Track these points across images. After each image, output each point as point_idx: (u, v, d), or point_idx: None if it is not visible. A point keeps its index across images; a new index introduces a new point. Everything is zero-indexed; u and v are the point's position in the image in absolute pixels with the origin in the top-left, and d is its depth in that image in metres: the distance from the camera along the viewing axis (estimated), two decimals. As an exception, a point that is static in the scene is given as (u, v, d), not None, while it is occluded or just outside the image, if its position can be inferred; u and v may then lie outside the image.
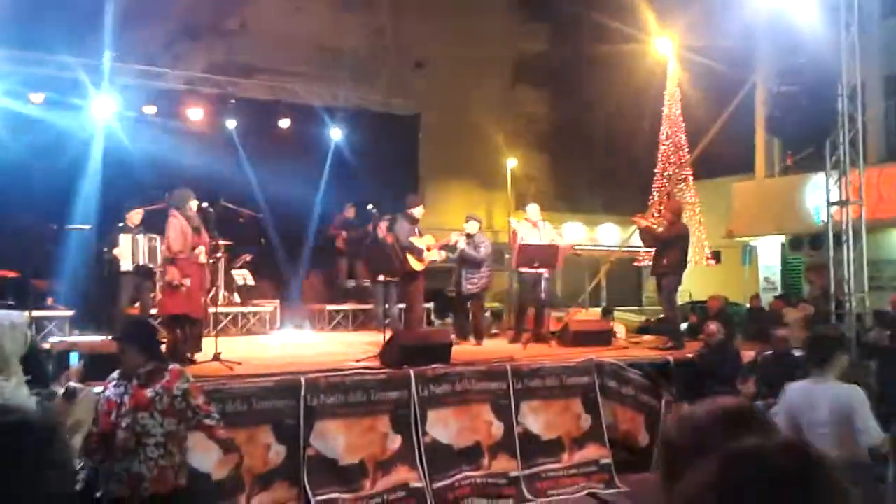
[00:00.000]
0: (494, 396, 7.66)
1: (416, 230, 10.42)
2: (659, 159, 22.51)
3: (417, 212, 10.48)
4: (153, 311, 9.83)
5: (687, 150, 21.93)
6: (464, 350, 9.13)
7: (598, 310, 16.30)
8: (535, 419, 7.81)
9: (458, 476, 7.16)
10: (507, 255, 14.51)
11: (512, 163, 25.52)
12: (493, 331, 12.18)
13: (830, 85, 9.66)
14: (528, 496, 7.41)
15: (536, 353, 9.17)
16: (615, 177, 25.19)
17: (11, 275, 10.30)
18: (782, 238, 20.55)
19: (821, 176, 10.38)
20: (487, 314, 12.55)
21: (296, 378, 6.82)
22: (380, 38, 27.11)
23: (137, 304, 10.30)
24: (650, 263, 11.46)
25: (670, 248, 9.97)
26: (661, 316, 11.84)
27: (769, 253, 21.01)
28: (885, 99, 17.87)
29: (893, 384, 7.89)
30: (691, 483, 1.44)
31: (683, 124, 22.28)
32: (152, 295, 10.53)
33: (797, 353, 9.02)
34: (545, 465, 7.65)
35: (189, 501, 4.60)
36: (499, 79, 28.43)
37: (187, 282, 8.07)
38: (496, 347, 9.96)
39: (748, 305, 14.80)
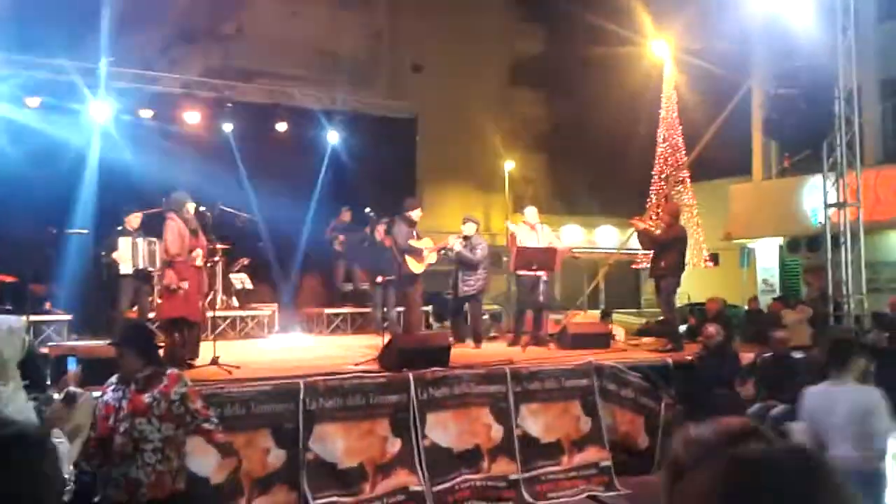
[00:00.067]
0: (493, 399, 7.64)
1: (414, 233, 10.42)
2: (656, 162, 22.55)
3: (415, 215, 10.48)
4: (151, 315, 9.82)
5: (684, 152, 21.96)
6: (463, 353, 9.11)
7: (597, 312, 16.30)
8: (535, 422, 7.80)
9: (458, 479, 7.15)
10: (505, 258, 14.51)
11: (509, 165, 25.54)
12: (492, 333, 12.17)
13: (827, 88, 9.68)
14: (528, 499, 7.39)
15: (535, 355, 9.15)
16: (613, 179, 25.21)
17: (9, 279, 10.27)
18: (780, 240, 20.57)
19: (818, 178, 10.40)
20: (486, 317, 12.54)
21: (294, 382, 6.80)
22: (377, 41, 27.14)
23: (135, 308, 10.28)
24: (648, 266, 11.47)
25: (668, 250, 9.97)
26: (660, 318, 11.84)
27: (767, 255, 21.03)
28: (882, 102, 17.92)
29: (892, 386, 7.88)
30: (694, 486, 1.43)
31: (680, 127, 22.32)
32: (150, 299, 10.53)
33: (796, 354, 9.04)
34: (545, 468, 7.64)
35: (188, 506, 4.59)
36: (496, 81, 28.45)
37: (185, 285, 8.06)
38: (495, 350, 9.94)
39: (746, 307, 14.80)
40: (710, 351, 8.96)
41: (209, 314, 9.80)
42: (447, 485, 7.06)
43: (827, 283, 9.85)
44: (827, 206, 9.84)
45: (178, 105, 13.68)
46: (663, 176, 22.27)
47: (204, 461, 5.71)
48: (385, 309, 11.30)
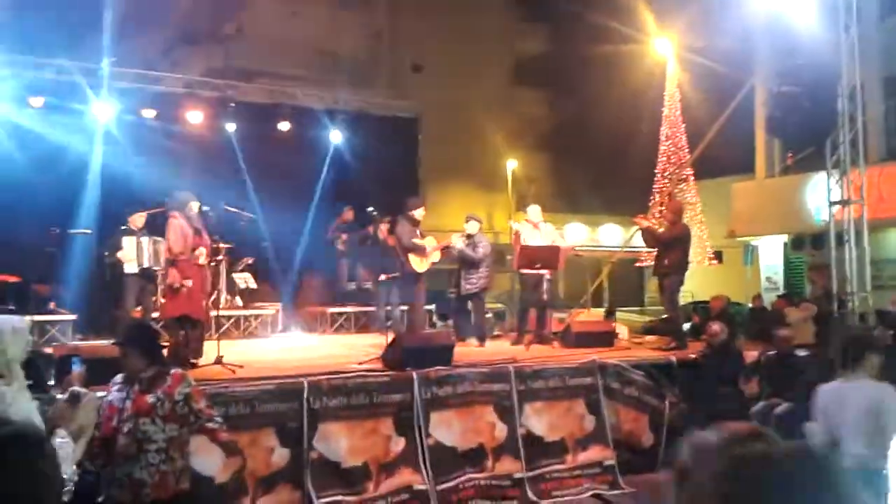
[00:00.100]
0: (497, 398, 7.64)
1: (418, 232, 10.42)
2: (659, 160, 22.51)
3: (418, 214, 10.47)
4: (155, 315, 9.83)
5: (687, 150, 21.93)
6: (466, 351, 9.11)
7: (601, 311, 16.28)
8: (539, 420, 7.80)
9: (462, 478, 7.15)
10: (508, 257, 14.51)
11: (512, 164, 25.53)
12: (496, 332, 12.17)
13: (830, 85, 9.66)
14: (532, 498, 7.39)
15: (539, 354, 9.15)
16: (616, 177, 25.18)
17: (13, 279, 10.28)
18: (784, 238, 20.55)
19: (821, 175, 10.38)
20: (490, 315, 12.53)
21: (298, 381, 6.80)
22: (378, 41, 27.14)
23: (140, 308, 10.29)
24: (652, 264, 11.45)
25: (672, 248, 9.96)
26: (664, 316, 11.83)
27: (771, 253, 21.01)
28: (885, 99, 17.89)
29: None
30: (698, 487, 1.43)
31: (683, 125, 22.28)
32: (154, 298, 10.54)
33: (800, 352, 9.03)
34: (549, 467, 7.64)
35: (192, 506, 4.58)
36: (498, 80, 28.44)
37: (188, 283, 8.07)
38: (498, 349, 9.94)
39: (750, 305, 14.78)
40: (714, 349, 8.95)
41: (213, 313, 9.81)
42: (451, 484, 7.06)
43: (831, 281, 9.83)
44: (831, 203, 9.81)
45: (181, 105, 13.68)
46: (666, 174, 22.24)
47: (208, 460, 5.71)
48: (389, 308, 11.30)
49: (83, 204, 11.73)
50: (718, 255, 22.31)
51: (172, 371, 4.49)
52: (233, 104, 14.24)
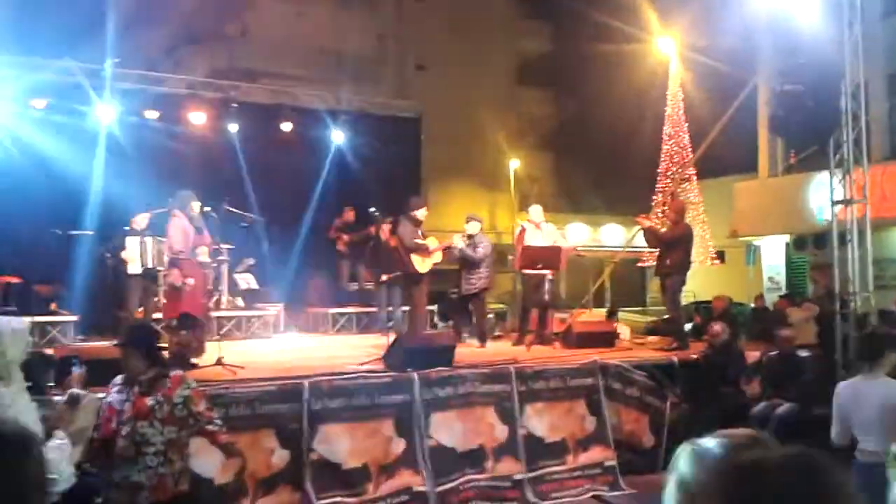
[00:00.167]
0: (498, 399, 7.63)
1: (419, 232, 10.41)
2: (662, 159, 22.48)
3: (421, 214, 10.46)
4: (157, 315, 9.84)
5: (690, 149, 21.89)
6: (467, 352, 9.10)
7: (603, 311, 16.27)
8: (539, 421, 7.79)
9: (462, 479, 7.14)
10: (510, 257, 14.50)
11: (515, 164, 25.50)
12: (497, 332, 12.16)
13: (833, 84, 9.61)
14: (532, 499, 7.38)
15: (540, 354, 9.14)
16: (618, 177, 25.15)
17: (15, 280, 10.30)
18: (786, 237, 20.50)
19: (824, 175, 10.34)
20: (491, 316, 12.52)
21: (299, 382, 6.81)
22: (381, 41, 27.13)
23: (142, 308, 10.31)
24: (654, 264, 11.43)
25: (674, 248, 9.95)
26: (666, 316, 11.81)
27: (773, 252, 20.96)
28: (889, 97, 17.83)
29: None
30: (696, 494, 1.42)
31: (686, 124, 22.24)
32: (156, 299, 10.55)
33: (802, 353, 9.01)
34: (549, 468, 7.63)
35: (191, 507, 4.58)
36: (501, 79, 28.43)
37: (190, 281, 8.09)
38: (499, 349, 9.94)
39: (752, 305, 14.75)
40: (716, 349, 8.93)
41: (214, 314, 9.83)
42: (451, 485, 7.05)
43: (833, 281, 9.80)
44: (833, 202, 9.78)
45: (184, 106, 13.70)
46: (669, 173, 22.20)
47: (208, 462, 5.72)
48: (390, 308, 11.30)
49: (85, 205, 11.74)
50: (721, 255, 22.26)
51: (172, 373, 4.49)
52: (235, 105, 14.25)
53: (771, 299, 15.28)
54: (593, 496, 7.64)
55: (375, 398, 7.03)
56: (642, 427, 8.33)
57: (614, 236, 27.80)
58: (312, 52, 23.84)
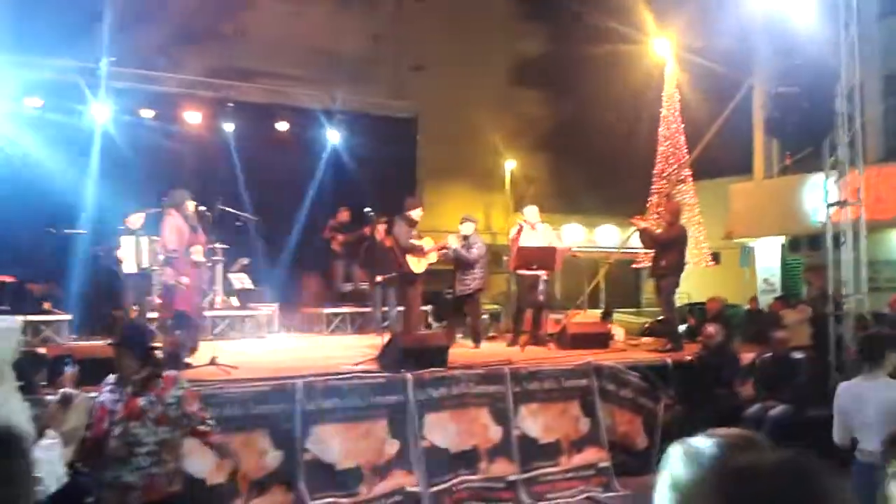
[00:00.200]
0: (492, 400, 7.63)
1: (415, 233, 10.40)
2: (658, 160, 22.50)
3: (416, 214, 10.46)
4: (151, 315, 9.82)
5: (685, 150, 21.92)
6: (462, 353, 9.10)
7: (598, 312, 16.27)
8: (534, 422, 7.79)
9: (456, 480, 7.14)
10: (505, 257, 14.50)
11: (511, 164, 25.52)
12: (491, 333, 12.16)
13: (829, 86, 9.63)
14: (526, 500, 7.38)
15: (534, 355, 9.14)
16: (614, 178, 25.17)
17: (8, 279, 10.26)
18: (781, 239, 20.52)
19: (819, 176, 10.35)
20: (485, 316, 12.52)
21: (293, 382, 6.79)
22: (378, 41, 27.10)
23: (136, 308, 10.28)
24: (649, 265, 11.44)
25: (669, 249, 9.96)
26: (661, 318, 11.82)
27: (768, 254, 20.98)
28: (884, 99, 17.85)
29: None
30: (688, 494, 1.42)
31: (682, 125, 22.27)
32: (150, 298, 10.52)
33: (796, 355, 9.02)
34: (543, 469, 7.63)
35: (183, 508, 4.57)
36: (498, 80, 28.43)
37: (185, 280, 8.08)
38: (494, 350, 9.93)
39: (747, 307, 14.77)
40: (710, 351, 8.94)
41: (209, 314, 9.81)
42: (445, 486, 7.05)
43: (828, 283, 9.81)
44: (828, 204, 9.80)
45: (179, 105, 13.68)
46: (665, 175, 22.22)
47: (201, 462, 5.71)
48: (385, 309, 11.28)
49: (80, 204, 11.71)
50: (716, 257, 22.28)
51: (165, 373, 4.48)
52: (231, 104, 14.22)
53: (765, 301, 15.30)
54: (587, 497, 7.64)
55: (369, 399, 7.02)
56: (636, 428, 8.34)
57: (610, 237, 27.81)
58: (309, 51, 23.80)
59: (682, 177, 22.16)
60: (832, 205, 9.74)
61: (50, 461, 4.20)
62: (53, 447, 4.35)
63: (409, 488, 6.88)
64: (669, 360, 8.96)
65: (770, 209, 19.51)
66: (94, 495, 4.38)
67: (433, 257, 10.42)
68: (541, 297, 10.15)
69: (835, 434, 4.95)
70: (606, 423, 8.13)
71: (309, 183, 14.54)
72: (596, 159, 26.19)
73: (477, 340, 10.27)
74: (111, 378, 4.48)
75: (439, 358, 7.80)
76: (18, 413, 4.43)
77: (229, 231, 12.24)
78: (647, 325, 15.24)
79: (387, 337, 8.56)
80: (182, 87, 14.26)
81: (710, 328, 9.08)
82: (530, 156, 27.84)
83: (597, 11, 22.65)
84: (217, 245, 11.66)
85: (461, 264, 10.20)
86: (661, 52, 22.35)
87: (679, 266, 10.07)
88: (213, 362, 7.83)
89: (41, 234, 10.94)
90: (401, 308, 11.09)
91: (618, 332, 11.24)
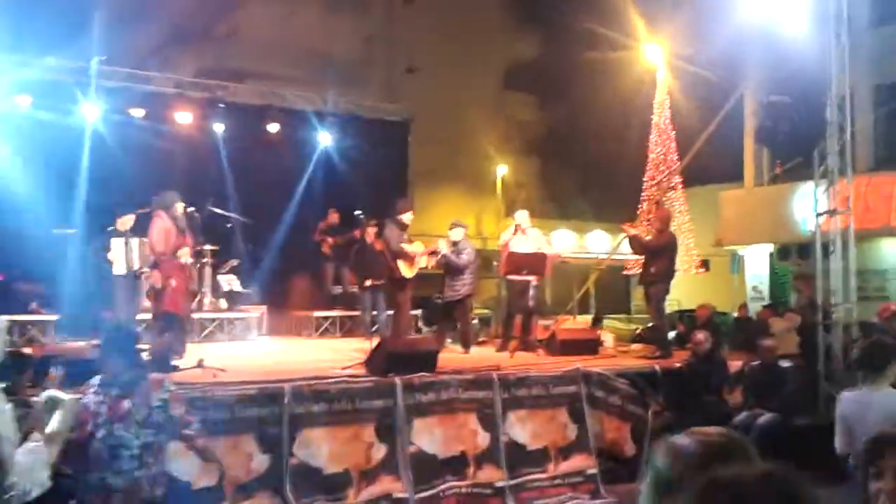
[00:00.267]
0: (481, 405, 7.60)
1: (405, 236, 10.38)
2: (648, 167, 22.57)
3: (407, 218, 10.44)
4: (140, 317, 9.76)
5: (676, 158, 21.99)
6: (451, 358, 9.07)
7: (587, 318, 16.28)
8: (522, 428, 7.76)
9: (443, 486, 7.11)
10: (495, 263, 14.51)
11: (502, 169, 25.55)
12: (481, 338, 12.14)
13: (820, 95, 9.67)
14: (514, 506, 7.35)
15: (523, 361, 9.13)
16: (605, 184, 25.25)
17: (-5, 278, 10.20)
18: (771, 247, 20.58)
19: (809, 185, 10.38)
20: (475, 321, 12.50)
21: (280, 386, 6.75)
22: (370, 43, 27.12)
23: (125, 309, 10.20)
24: (639, 272, 11.45)
25: (658, 256, 9.96)
26: (651, 324, 11.83)
27: (757, 262, 21.05)
28: (874, 108, 17.93)
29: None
30: (671, 490, 1.42)
31: (673, 132, 22.35)
32: (139, 299, 10.45)
33: (784, 363, 9.04)
34: (531, 475, 7.60)
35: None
36: (490, 84, 28.49)
37: (172, 282, 8.04)
38: (483, 355, 9.90)
39: (735, 315, 14.79)
40: (699, 358, 8.94)
41: (197, 316, 9.76)
42: (432, 491, 7.02)
43: (816, 291, 9.84)
44: (818, 213, 9.83)
45: (170, 105, 13.61)
46: (655, 181, 22.29)
47: (186, 466, 5.66)
48: (375, 312, 11.26)
49: (70, 203, 11.63)
50: (705, 264, 22.35)
51: (151, 376, 4.45)
52: (222, 105, 14.17)
53: (754, 308, 15.33)
54: (574, 504, 7.62)
55: (357, 403, 6.99)
56: (624, 436, 8.32)
57: (600, 243, 27.86)
58: (301, 53, 23.78)
59: (673, 183, 22.24)
60: (822, 213, 9.77)
61: (33, 465, 4.16)
62: (37, 450, 4.31)
63: (396, 494, 6.85)
64: (658, 367, 8.95)
65: (760, 217, 19.56)
66: (78, 498, 4.34)
67: (424, 261, 10.40)
68: (531, 303, 10.13)
69: (837, 443, 4.94)
70: (595, 430, 8.11)
71: (299, 185, 14.49)
72: (587, 165, 26.28)
73: (466, 345, 10.25)
74: (95, 380, 4.44)
75: (428, 363, 7.77)
76: (2, 415, 4.39)
77: (219, 232, 12.19)
78: (636, 332, 15.26)
79: (376, 341, 8.53)
80: (173, 87, 14.19)
81: (700, 335, 9.08)
82: (522, 160, 27.88)
83: (589, 17, 22.72)
84: (206, 246, 11.60)
85: (451, 269, 10.18)
86: (653, 59, 22.43)
87: (669, 273, 10.07)
88: (200, 365, 7.78)
89: (30, 233, 10.85)
90: (390, 312, 11.06)
91: (607, 339, 11.25)
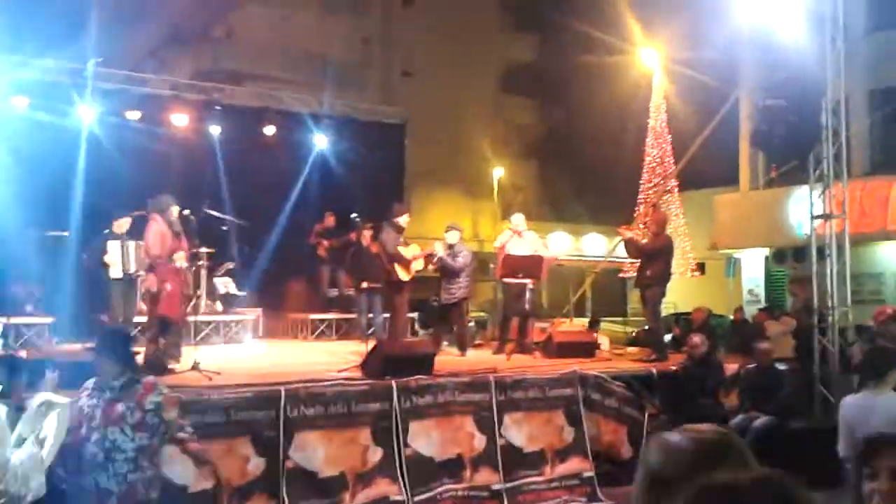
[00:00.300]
0: (477, 408, 7.60)
1: (401, 239, 10.37)
2: (644, 170, 22.60)
3: (403, 220, 10.44)
4: (136, 320, 9.74)
5: (672, 161, 22.03)
6: (447, 360, 9.06)
7: (584, 320, 16.29)
8: (518, 431, 7.76)
9: (440, 489, 7.10)
10: (491, 265, 14.51)
11: (499, 172, 25.56)
12: (477, 341, 12.13)
13: (815, 99, 9.69)
14: (510, 509, 7.35)
15: (520, 364, 9.12)
16: (601, 187, 25.28)
17: (-11, 281, 10.16)
18: (766, 251, 20.62)
19: (804, 189, 10.41)
20: (472, 324, 12.50)
21: (275, 389, 6.74)
22: (368, 47, 27.13)
23: (121, 312, 10.18)
24: (635, 275, 11.46)
25: (654, 260, 9.97)
26: (647, 327, 11.84)
27: (753, 265, 21.08)
28: (870, 113, 17.98)
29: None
30: (663, 486, 1.42)
31: (669, 136, 22.38)
32: (136, 303, 10.43)
33: (780, 366, 9.05)
34: (527, 478, 7.60)
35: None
36: (487, 87, 28.51)
37: (167, 286, 8.02)
38: (480, 358, 9.90)
39: (731, 318, 14.81)
40: (695, 361, 8.94)
41: (192, 318, 9.75)
42: (428, 494, 7.01)
43: (812, 295, 9.86)
44: (813, 217, 9.84)
45: (166, 107, 13.56)
46: (651, 185, 22.32)
47: (182, 469, 5.65)
48: (371, 315, 11.25)
49: (65, 206, 11.60)
50: (701, 267, 22.38)
51: (145, 379, 4.44)
52: (219, 107, 14.13)
53: (750, 312, 15.35)
54: (570, 507, 7.62)
55: (353, 406, 6.97)
56: (621, 438, 8.32)
57: (596, 246, 27.88)
58: (298, 55, 23.80)
59: (669, 187, 22.27)
60: (817, 217, 9.79)
61: (28, 470, 4.13)
62: (32, 456, 4.29)
63: (392, 497, 6.83)
64: (654, 370, 8.96)
65: (755, 221, 19.60)
66: (72, 501, 4.32)
67: (420, 264, 10.39)
68: (527, 306, 10.13)
69: (840, 447, 4.95)
70: (591, 433, 8.11)
71: (296, 187, 14.46)
72: (583, 168, 26.31)
73: (463, 348, 10.24)
74: (89, 383, 4.43)
75: (424, 365, 7.77)
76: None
77: (215, 235, 12.16)
78: (633, 335, 15.27)
79: (372, 344, 8.52)
80: (169, 89, 14.16)
81: (696, 338, 9.09)
82: (518, 163, 27.91)
83: (586, 21, 22.78)
84: (202, 249, 11.58)
85: (447, 272, 10.18)
86: (649, 63, 22.47)
87: (665, 276, 10.08)
88: (195, 368, 7.76)
89: (25, 235, 10.81)
90: (386, 315, 11.05)
91: (603, 342, 11.25)
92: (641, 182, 22.58)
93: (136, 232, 9.86)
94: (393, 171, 15.90)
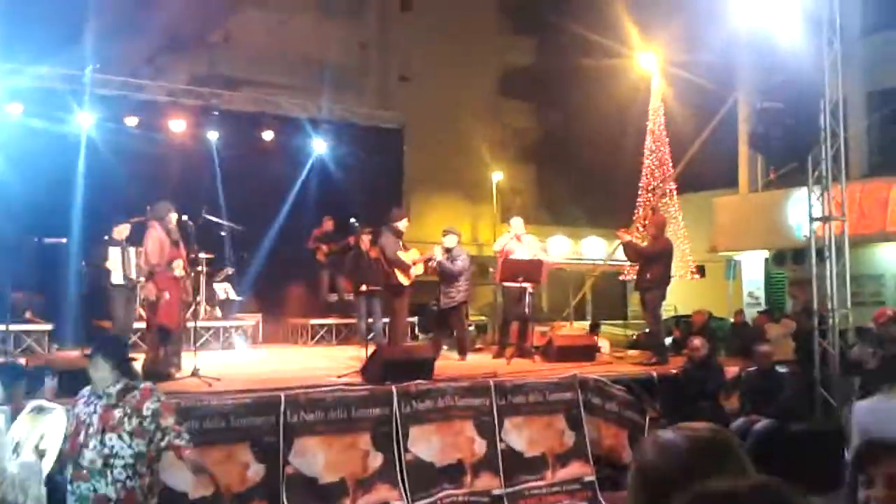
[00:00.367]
0: (477, 413, 7.58)
1: (401, 244, 10.36)
2: (643, 173, 22.61)
3: (402, 225, 10.43)
4: (136, 326, 9.72)
5: (671, 164, 22.04)
6: (447, 365, 9.04)
7: (584, 324, 16.28)
8: (519, 436, 7.74)
9: (440, 494, 7.07)
10: (491, 269, 14.51)
11: (497, 176, 25.56)
12: (477, 345, 12.12)
13: (813, 101, 9.70)
14: (511, 514, 7.33)
15: (520, 368, 9.10)
16: (600, 190, 25.28)
17: (-12, 288, 10.12)
18: (766, 253, 20.62)
19: (803, 191, 10.41)
20: (471, 328, 12.49)
21: (275, 394, 6.72)
22: (365, 51, 27.14)
23: (121, 319, 10.15)
24: (634, 278, 11.45)
25: (654, 263, 9.96)
26: (647, 330, 11.83)
27: (753, 267, 21.07)
28: (867, 115, 18.00)
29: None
30: (657, 483, 1.41)
31: (667, 139, 22.40)
32: (136, 310, 10.40)
33: (780, 369, 9.03)
34: (528, 483, 7.58)
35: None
36: (485, 91, 28.51)
37: (166, 295, 8.00)
38: (480, 362, 9.89)
39: (732, 320, 14.81)
40: (695, 364, 8.92)
41: (191, 325, 9.72)
42: (429, 500, 6.99)
43: (812, 297, 9.85)
44: (812, 219, 9.84)
45: (164, 113, 13.56)
46: (650, 188, 22.33)
47: (181, 476, 5.62)
48: (370, 320, 11.24)
49: (64, 212, 11.58)
50: (701, 270, 22.37)
51: (142, 385, 4.43)
52: (216, 112, 14.13)
53: (751, 314, 15.35)
54: (572, 512, 7.60)
55: (353, 411, 6.96)
56: (621, 442, 8.30)
57: (596, 249, 27.86)
58: (295, 60, 23.78)
59: (668, 189, 22.27)
60: (816, 219, 9.79)
61: (27, 478, 4.12)
62: (31, 464, 4.28)
63: (393, 502, 6.82)
64: (655, 374, 8.95)
65: (754, 223, 19.60)
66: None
67: (419, 268, 10.38)
68: (527, 310, 10.12)
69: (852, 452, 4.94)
70: (592, 437, 8.09)
71: (294, 192, 14.45)
72: (582, 171, 26.31)
73: (463, 352, 10.23)
74: (86, 390, 4.42)
75: (424, 370, 7.75)
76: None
77: (213, 241, 12.15)
78: (633, 338, 15.26)
79: (371, 349, 8.51)
80: (167, 95, 14.15)
81: (696, 341, 9.07)
82: (517, 167, 27.90)
83: (583, 25, 22.80)
84: (201, 255, 11.56)
85: (446, 277, 10.17)
86: (647, 66, 22.49)
87: (664, 279, 10.07)
88: (195, 374, 7.75)
89: (23, 241, 10.80)
90: (386, 320, 11.04)
91: (604, 345, 11.23)
92: (640, 185, 22.59)
93: (136, 238, 9.85)
94: (391, 175, 15.89)
